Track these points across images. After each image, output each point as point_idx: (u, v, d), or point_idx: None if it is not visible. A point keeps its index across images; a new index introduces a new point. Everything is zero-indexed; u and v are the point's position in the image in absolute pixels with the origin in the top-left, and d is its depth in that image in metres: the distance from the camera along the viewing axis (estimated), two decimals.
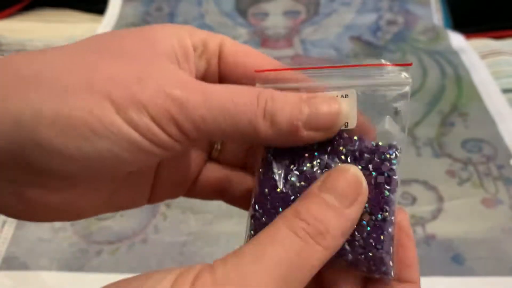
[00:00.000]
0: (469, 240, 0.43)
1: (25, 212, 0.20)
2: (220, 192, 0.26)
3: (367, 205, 0.20)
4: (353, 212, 0.19)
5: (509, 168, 0.49)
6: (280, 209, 0.20)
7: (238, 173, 0.25)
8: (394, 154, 0.20)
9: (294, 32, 0.74)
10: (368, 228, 0.20)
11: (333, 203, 0.19)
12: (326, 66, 0.21)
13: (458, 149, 0.52)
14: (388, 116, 0.21)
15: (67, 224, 0.46)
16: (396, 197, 0.20)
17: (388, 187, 0.20)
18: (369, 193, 0.20)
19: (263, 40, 0.72)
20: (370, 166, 0.20)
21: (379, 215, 0.20)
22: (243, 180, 0.25)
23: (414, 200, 0.47)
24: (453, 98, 0.59)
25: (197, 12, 0.78)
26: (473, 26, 0.72)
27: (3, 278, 0.42)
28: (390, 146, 0.21)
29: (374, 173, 0.20)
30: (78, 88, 0.17)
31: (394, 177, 0.20)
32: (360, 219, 0.20)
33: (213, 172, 0.25)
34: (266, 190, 0.21)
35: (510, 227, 0.44)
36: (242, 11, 0.78)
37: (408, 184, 0.48)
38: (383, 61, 0.21)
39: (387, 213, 0.20)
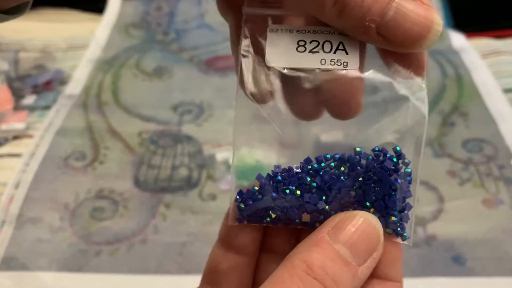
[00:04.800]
0: (470, 241, 0.43)
1: None
2: None
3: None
4: (366, 270, 0.17)
5: (510, 168, 0.49)
6: None
7: None
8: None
9: None
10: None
11: (348, 259, 0.17)
12: None
13: (458, 149, 0.52)
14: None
15: (66, 224, 0.46)
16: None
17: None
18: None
19: None
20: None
21: None
22: None
23: None
24: (454, 98, 0.59)
25: (196, 12, 0.78)
26: (474, 25, 0.72)
27: (2, 279, 0.41)
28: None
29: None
30: None
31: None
32: None
33: None
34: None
35: (511, 227, 0.44)
36: None
37: None
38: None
39: None
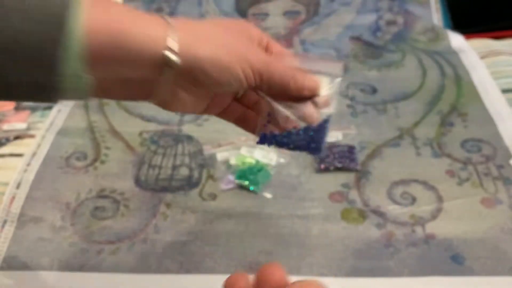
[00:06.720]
0: (469, 240, 0.43)
1: (169, 104, 0.34)
2: (238, 120, 0.39)
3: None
4: None
5: (509, 168, 0.49)
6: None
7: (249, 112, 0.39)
8: None
9: (294, 33, 0.74)
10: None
11: None
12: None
13: (457, 149, 0.52)
14: None
15: (67, 224, 0.46)
16: None
17: None
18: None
19: None
20: None
21: None
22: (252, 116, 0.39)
23: (413, 200, 0.47)
24: (453, 98, 0.59)
25: (197, 12, 0.78)
26: (473, 26, 0.72)
27: (3, 278, 0.42)
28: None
29: None
30: (226, 48, 0.32)
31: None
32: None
33: (236, 107, 0.39)
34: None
35: (509, 227, 0.44)
36: (242, 12, 0.78)
37: (407, 184, 0.48)
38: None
39: None
